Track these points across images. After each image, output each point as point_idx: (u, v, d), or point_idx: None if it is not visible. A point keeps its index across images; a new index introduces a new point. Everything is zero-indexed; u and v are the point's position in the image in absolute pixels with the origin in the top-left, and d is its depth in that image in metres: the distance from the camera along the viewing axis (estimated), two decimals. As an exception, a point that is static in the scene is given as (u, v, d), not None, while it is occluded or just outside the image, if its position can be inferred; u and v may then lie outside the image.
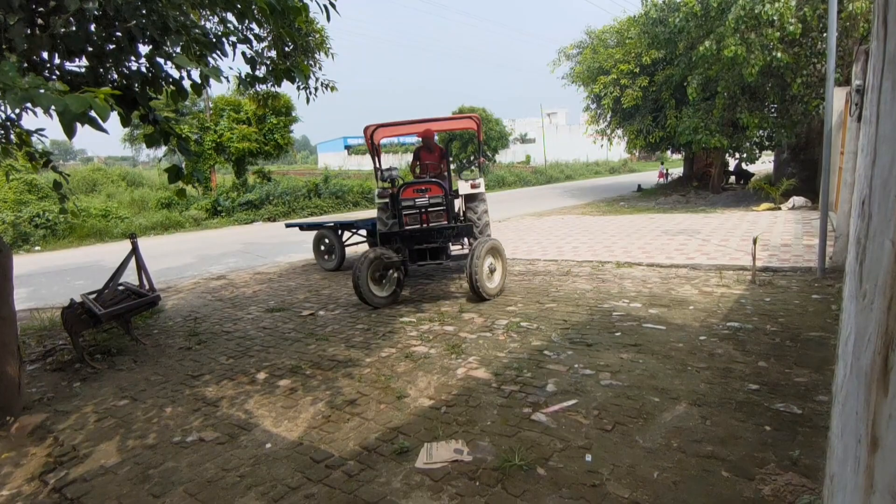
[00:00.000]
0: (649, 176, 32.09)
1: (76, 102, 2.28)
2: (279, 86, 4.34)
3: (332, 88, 7.52)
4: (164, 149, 26.21)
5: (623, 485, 2.81)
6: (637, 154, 41.64)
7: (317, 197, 21.92)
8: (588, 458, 3.07)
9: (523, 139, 51.71)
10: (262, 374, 4.74)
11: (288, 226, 11.28)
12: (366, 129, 7.83)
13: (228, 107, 21.74)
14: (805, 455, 2.92)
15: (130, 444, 3.69)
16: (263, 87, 5.49)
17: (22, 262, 4.67)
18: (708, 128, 15.03)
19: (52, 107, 2.38)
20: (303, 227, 10.76)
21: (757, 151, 16.50)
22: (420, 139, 8.38)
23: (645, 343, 4.77)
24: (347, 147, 56.95)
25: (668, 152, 27.08)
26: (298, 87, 7.20)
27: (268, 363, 4.99)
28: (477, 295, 6.46)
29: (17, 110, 3.97)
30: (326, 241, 9.84)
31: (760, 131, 14.96)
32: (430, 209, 7.00)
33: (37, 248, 14.96)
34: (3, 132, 4.42)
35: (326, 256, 9.88)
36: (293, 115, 22.40)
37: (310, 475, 3.11)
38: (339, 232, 9.77)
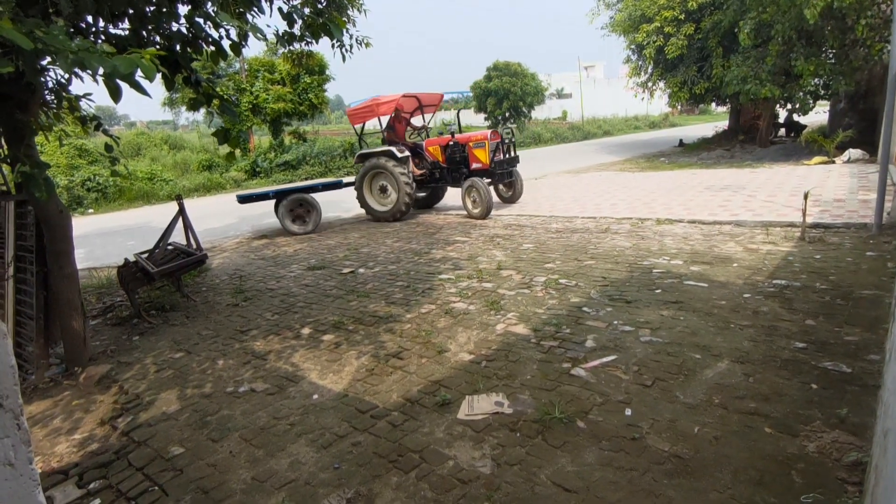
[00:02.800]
0: (692, 130, 30.85)
1: (124, 63, 2.33)
2: (317, 41, 4.31)
3: (367, 44, 7.42)
4: (202, 112, 26.57)
5: (663, 439, 2.84)
6: (679, 108, 39.92)
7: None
8: (628, 412, 3.11)
9: (560, 94, 50.19)
10: (307, 329, 4.92)
11: (241, 200, 10.16)
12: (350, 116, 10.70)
13: (263, 68, 21.77)
14: (853, 413, 2.88)
15: (188, 392, 3.93)
16: (298, 45, 5.47)
17: (77, 224, 4.93)
18: (758, 77, 14.22)
19: (101, 69, 2.44)
20: (274, 195, 10.09)
21: (811, 101, 15.56)
22: (394, 112, 10.75)
23: (686, 300, 4.70)
24: (442, 96, 56.31)
25: (713, 105, 25.88)
26: (333, 45, 7.15)
27: (311, 319, 5.16)
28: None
29: (67, 75, 4.09)
30: (301, 206, 9.95)
31: (816, 79, 14.07)
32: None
33: (90, 210, 15.62)
34: (53, 98, 4.57)
35: (300, 223, 9.97)
36: (327, 74, 22.28)
37: (356, 424, 3.26)
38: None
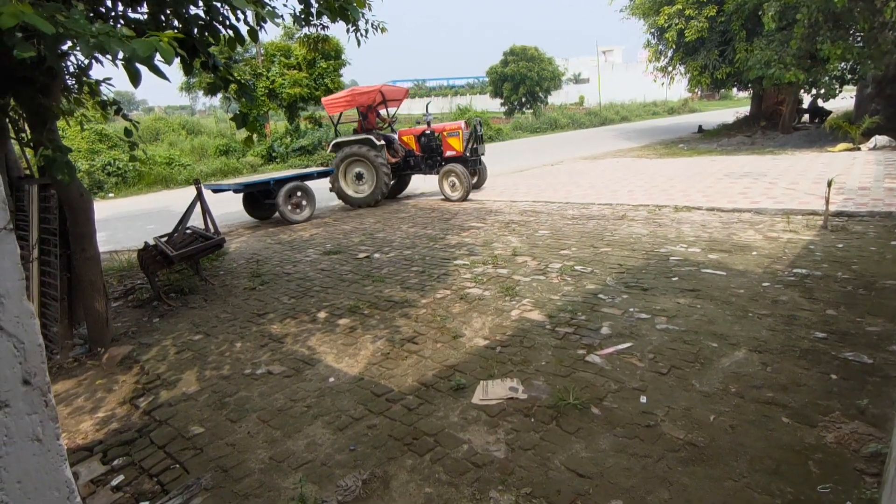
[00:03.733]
0: (712, 116, 30.28)
1: (143, 47, 2.34)
2: (333, 21, 4.30)
3: (383, 30, 7.36)
4: (219, 97, 26.66)
5: (678, 426, 2.83)
6: (699, 93, 39.12)
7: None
8: (643, 399, 3.10)
9: (577, 79, 49.49)
10: (323, 313, 4.97)
11: (215, 190, 9.94)
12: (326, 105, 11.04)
13: (279, 52, 21.75)
14: (874, 404, 2.84)
15: (207, 374, 4.00)
16: (314, 29, 5.45)
17: (98, 208, 4.98)
18: (782, 61, 13.87)
19: (121, 52, 2.46)
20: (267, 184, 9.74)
21: (837, 86, 15.16)
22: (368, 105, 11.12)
23: (703, 288, 4.66)
24: (407, 91, 56.22)
25: (734, 90, 25.31)
26: (348, 30, 7.13)
27: (327, 303, 5.21)
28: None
29: (88, 59, 4.13)
30: (298, 193, 9.88)
31: (843, 64, 13.70)
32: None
33: (110, 195, 15.85)
34: (74, 82, 4.63)
35: (298, 209, 9.90)
36: (342, 58, 22.20)
37: (371, 407, 3.30)
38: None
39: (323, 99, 11.50)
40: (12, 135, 4.56)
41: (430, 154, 10.99)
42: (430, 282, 5.54)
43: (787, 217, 6.86)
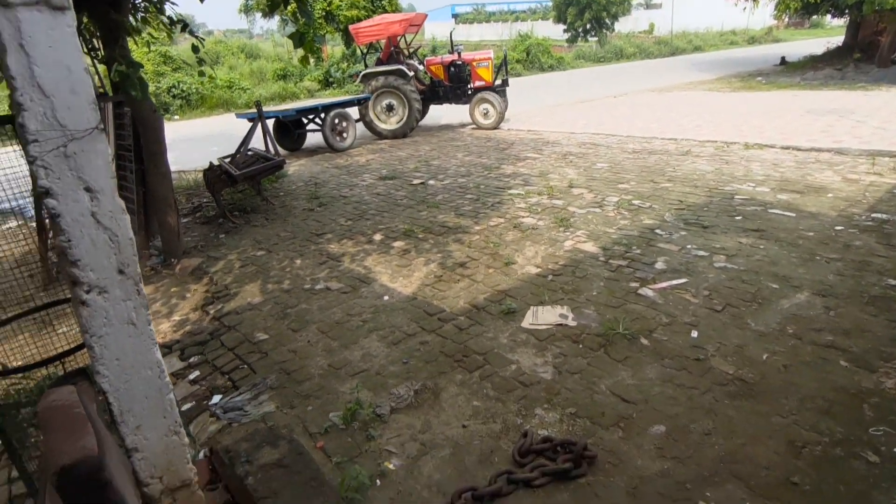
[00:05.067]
0: (798, 47, 27.60)
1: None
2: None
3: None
4: (276, 20, 26.37)
5: (728, 362, 2.82)
6: (786, 20, 35.48)
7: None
8: (694, 334, 3.09)
9: (648, 4, 45.87)
10: (378, 235, 5.10)
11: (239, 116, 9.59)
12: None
13: (337, -28, 21.11)
14: (943, 352, 2.72)
15: (270, 287, 4.24)
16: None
17: (165, 129, 5.16)
18: (888, -17, 12.35)
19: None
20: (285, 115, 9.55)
21: (949, 13, 13.43)
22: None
23: (769, 229, 4.46)
24: (455, 16, 54.03)
25: (828, 17, 22.86)
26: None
27: (382, 226, 5.33)
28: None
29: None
30: (339, 121, 9.71)
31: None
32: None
33: (175, 117, 16.37)
34: (142, 0, 4.69)
35: (339, 137, 9.79)
36: (401, -21, 21.35)
37: (424, 325, 3.44)
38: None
39: (351, 27, 11.06)
40: (85, 51, 4.73)
41: (458, 84, 10.81)
42: (483, 209, 5.55)
43: (873, 158, 6.35)
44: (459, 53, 10.78)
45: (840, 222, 4.50)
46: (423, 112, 11.41)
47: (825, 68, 16.43)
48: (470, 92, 10.71)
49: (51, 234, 4.61)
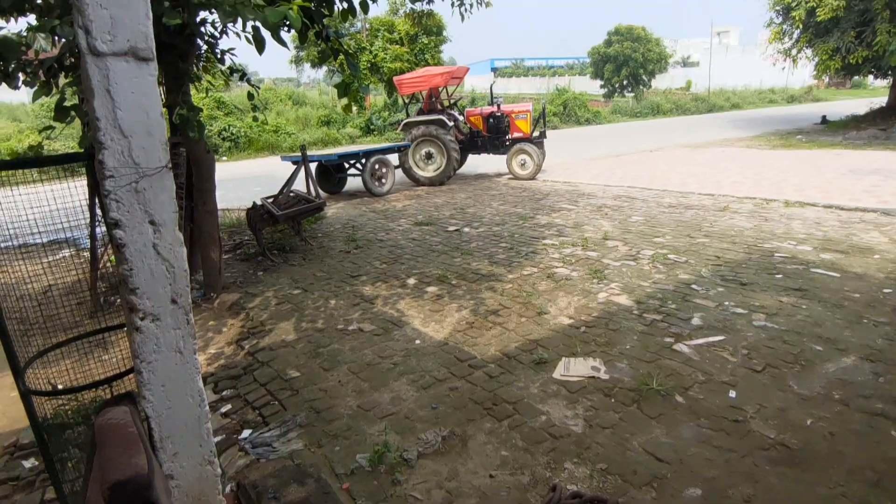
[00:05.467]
0: (839, 106, 27.35)
1: (274, 14, 2.54)
2: (442, -1, 4.38)
3: (487, 4, 7.38)
4: (323, 70, 27.71)
5: (769, 426, 2.71)
6: (827, 80, 35.31)
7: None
8: (732, 394, 2.99)
9: (685, 62, 46.52)
10: (412, 279, 5.17)
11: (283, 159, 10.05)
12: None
13: (383, 27, 22.26)
14: None
15: (304, 325, 4.32)
16: (420, 4, 5.56)
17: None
18: (933, 46, 12.25)
19: (253, 19, 2.68)
20: (342, 156, 10.02)
21: None
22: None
23: (811, 289, 4.34)
24: (494, 69, 55.78)
25: (870, 78, 22.69)
26: (453, 4, 7.19)
27: (417, 271, 5.40)
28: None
29: (219, 30, 4.50)
30: (378, 167, 9.99)
31: None
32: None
33: (224, 158, 17.17)
34: (206, 51, 5.05)
35: (378, 182, 10.03)
36: (443, 34, 22.35)
37: (454, 371, 3.43)
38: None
39: (395, 79, 11.56)
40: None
41: (497, 134, 11.10)
42: (517, 258, 5.57)
43: (921, 220, 6.16)
44: (499, 105, 11.12)
45: (888, 285, 4.35)
46: (462, 161, 11.66)
47: (868, 128, 16.19)
48: (508, 143, 11.00)
49: (102, 265, 4.84)
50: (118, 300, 4.51)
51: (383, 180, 10.11)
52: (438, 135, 10.53)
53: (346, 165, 10.21)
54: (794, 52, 17.85)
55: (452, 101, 11.89)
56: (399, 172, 10.83)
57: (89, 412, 2.41)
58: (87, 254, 4.93)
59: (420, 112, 11.22)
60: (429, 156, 10.89)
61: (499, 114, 11.00)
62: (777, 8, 17.48)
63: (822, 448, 2.53)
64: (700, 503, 2.24)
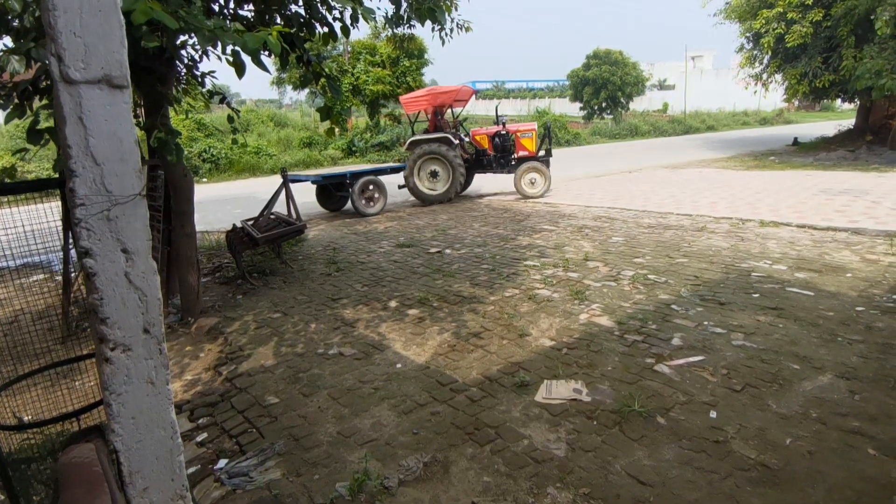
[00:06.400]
0: (809, 128, 28.21)
1: (253, 40, 2.55)
2: (423, 24, 4.45)
3: (467, 28, 7.49)
4: (305, 92, 27.80)
5: (750, 446, 2.72)
6: (797, 103, 36.48)
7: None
8: (713, 414, 3.00)
9: (662, 85, 47.74)
10: (393, 302, 5.13)
11: (293, 180, 9.80)
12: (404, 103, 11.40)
13: (365, 50, 22.50)
14: (976, 444, 2.60)
15: (283, 350, 4.25)
16: (403, 28, 5.64)
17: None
18: None
19: (232, 44, 2.68)
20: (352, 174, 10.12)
21: (959, 101, 13.74)
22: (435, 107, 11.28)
23: (788, 307, 4.41)
24: (475, 92, 56.58)
25: (838, 101, 23.48)
26: (433, 29, 7.31)
27: (398, 293, 5.38)
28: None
29: (198, 54, 4.50)
30: (370, 187, 10.14)
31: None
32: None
33: (204, 179, 17.03)
34: (185, 73, 5.04)
35: (371, 203, 10.18)
36: (425, 57, 22.65)
37: (436, 395, 3.39)
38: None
39: (402, 97, 11.77)
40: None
41: (502, 154, 11.24)
42: (499, 280, 5.58)
43: (891, 239, 6.33)
44: (504, 124, 11.33)
45: (861, 303, 4.44)
46: (468, 181, 11.80)
47: (838, 150, 16.71)
48: (513, 162, 11.15)
49: (75, 289, 4.73)
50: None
51: (372, 202, 10.15)
52: (443, 152, 10.65)
53: (346, 184, 10.31)
54: (764, 76, 18.43)
55: (458, 122, 12.06)
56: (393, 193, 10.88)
57: (56, 446, 2.33)
58: (59, 277, 4.82)
59: (426, 132, 11.33)
60: (434, 174, 10.98)
61: (504, 132, 11.18)
62: (747, 35, 18.07)
63: (802, 468, 2.55)
64: (683, 527, 2.23)
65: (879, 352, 3.60)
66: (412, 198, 11.31)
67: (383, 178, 10.44)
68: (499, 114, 11.84)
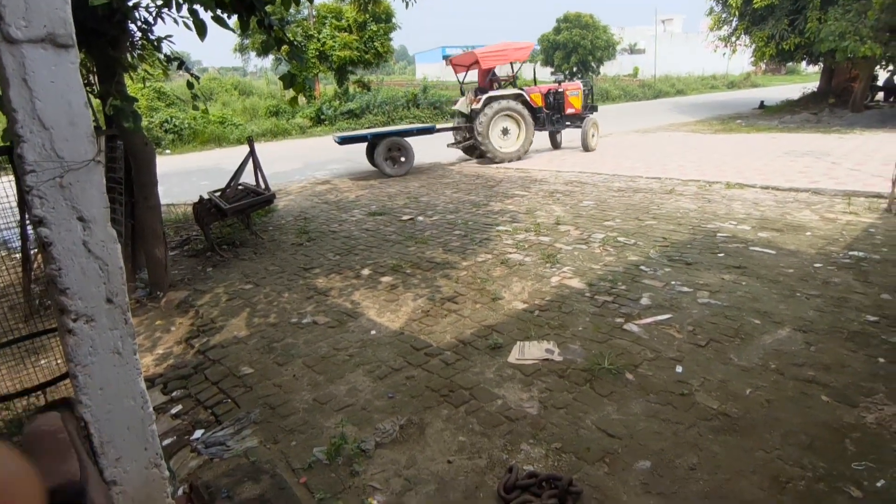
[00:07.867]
0: (776, 91, 28.64)
1: None
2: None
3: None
4: (270, 59, 26.90)
5: (712, 397, 2.84)
6: (763, 66, 36.95)
7: (415, 107, 21.96)
8: (679, 369, 3.11)
9: (632, 49, 47.56)
10: (366, 270, 5.13)
11: (342, 141, 10.78)
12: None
13: (331, 14, 21.76)
14: (921, 388, 2.77)
15: (256, 321, 4.22)
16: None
17: (157, 163, 5.20)
18: (858, 33, 12.96)
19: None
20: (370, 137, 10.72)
21: (917, 62, 14.09)
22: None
23: (750, 266, 4.55)
24: (446, 57, 55.49)
25: (803, 64, 23.84)
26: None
27: (371, 261, 5.36)
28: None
29: (152, 16, 4.29)
30: (398, 148, 10.28)
31: (925, 37, 12.68)
32: None
33: (167, 151, 16.48)
34: (140, 38, 4.81)
35: (395, 164, 10.31)
36: (393, 22, 22.05)
37: (410, 360, 3.43)
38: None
39: (477, 52, 11.13)
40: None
41: (555, 111, 11.66)
42: (471, 245, 5.61)
43: (849, 198, 6.55)
44: (559, 83, 11.83)
45: (819, 260, 4.61)
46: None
47: (802, 112, 17.05)
48: (560, 119, 11.71)
49: (35, 266, 4.57)
50: (55, 302, 4.29)
51: (396, 164, 10.32)
52: (520, 109, 10.65)
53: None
54: (732, 39, 18.54)
55: (514, 78, 12.11)
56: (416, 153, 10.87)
57: (23, 421, 2.29)
58: (18, 255, 4.66)
59: (478, 90, 11.21)
60: (505, 132, 10.95)
61: (560, 91, 11.57)
62: (716, -4, 18.07)
63: (760, 416, 2.67)
64: (649, 474, 2.33)
65: (834, 305, 3.76)
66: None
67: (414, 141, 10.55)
68: (535, 74, 12.37)
